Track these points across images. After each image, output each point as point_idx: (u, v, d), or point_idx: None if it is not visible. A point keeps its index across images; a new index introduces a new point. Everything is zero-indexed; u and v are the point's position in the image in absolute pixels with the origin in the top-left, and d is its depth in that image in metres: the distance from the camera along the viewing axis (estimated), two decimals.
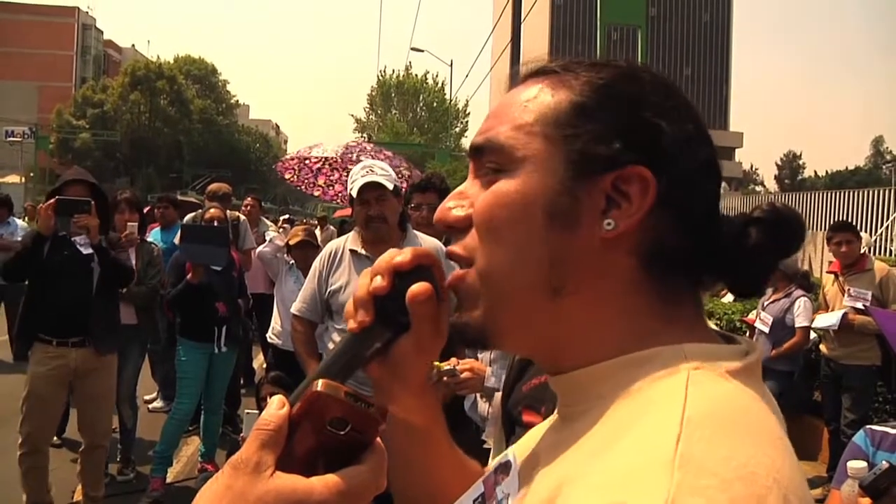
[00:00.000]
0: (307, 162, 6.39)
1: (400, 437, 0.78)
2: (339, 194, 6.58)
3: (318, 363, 3.43)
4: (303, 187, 6.59)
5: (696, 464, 0.47)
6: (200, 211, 5.75)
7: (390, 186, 2.93)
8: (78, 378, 3.78)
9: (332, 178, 6.42)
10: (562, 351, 0.61)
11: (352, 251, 3.04)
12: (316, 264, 3.14)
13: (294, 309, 3.18)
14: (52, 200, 3.58)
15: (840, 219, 11.85)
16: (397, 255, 0.66)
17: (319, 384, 0.54)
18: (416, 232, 3.14)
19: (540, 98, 0.62)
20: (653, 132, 0.59)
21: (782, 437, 0.53)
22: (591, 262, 0.58)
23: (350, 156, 5.93)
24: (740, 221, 0.63)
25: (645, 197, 0.57)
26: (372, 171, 2.98)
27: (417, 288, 0.64)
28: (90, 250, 3.71)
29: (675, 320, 0.59)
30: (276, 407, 0.55)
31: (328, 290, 3.04)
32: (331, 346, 3.06)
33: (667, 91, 0.62)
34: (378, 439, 0.57)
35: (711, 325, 0.65)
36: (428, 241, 3.07)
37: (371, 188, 2.91)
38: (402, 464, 0.80)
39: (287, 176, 6.50)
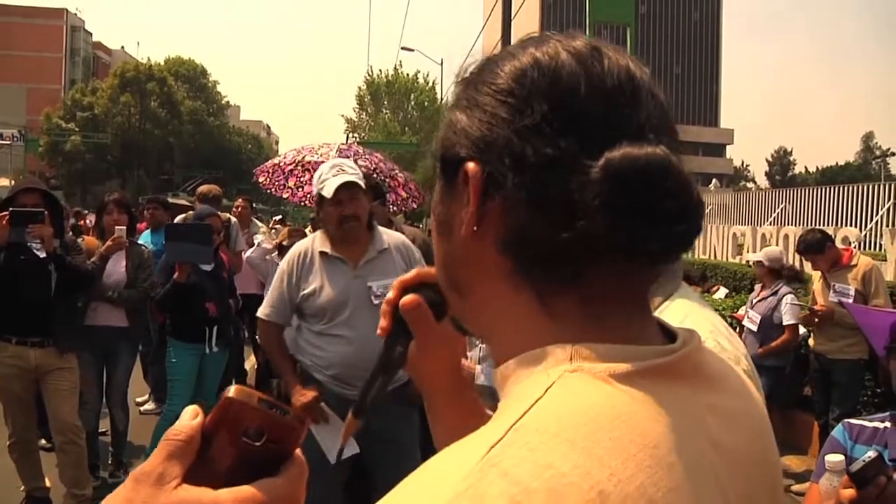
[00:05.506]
0: (280, 164, 6.35)
1: (440, 434, 0.82)
2: (308, 195, 6.51)
3: (291, 364, 3.44)
4: (273, 189, 6.50)
5: (500, 470, 0.44)
6: (191, 213, 5.73)
7: (363, 185, 2.95)
8: (41, 376, 3.90)
9: (302, 179, 6.32)
10: (493, 347, 0.62)
11: (321, 253, 2.98)
12: (283, 267, 3.06)
13: (260, 313, 3.09)
14: (5, 213, 3.67)
15: (831, 214, 11.98)
16: (408, 274, 0.78)
17: (231, 390, 0.51)
18: (381, 228, 3.16)
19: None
20: (485, 125, 0.57)
21: (657, 446, 0.47)
22: (472, 263, 0.59)
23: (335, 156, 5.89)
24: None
25: (475, 190, 0.56)
26: (343, 170, 2.95)
27: (404, 300, 0.74)
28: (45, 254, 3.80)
29: (561, 316, 0.55)
30: (189, 417, 0.52)
31: (300, 294, 2.97)
32: (306, 346, 3.02)
33: (559, 77, 0.55)
34: (298, 451, 0.54)
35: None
36: (390, 235, 3.14)
37: (345, 188, 2.90)
38: None
39: (261, 179, 6.43)
